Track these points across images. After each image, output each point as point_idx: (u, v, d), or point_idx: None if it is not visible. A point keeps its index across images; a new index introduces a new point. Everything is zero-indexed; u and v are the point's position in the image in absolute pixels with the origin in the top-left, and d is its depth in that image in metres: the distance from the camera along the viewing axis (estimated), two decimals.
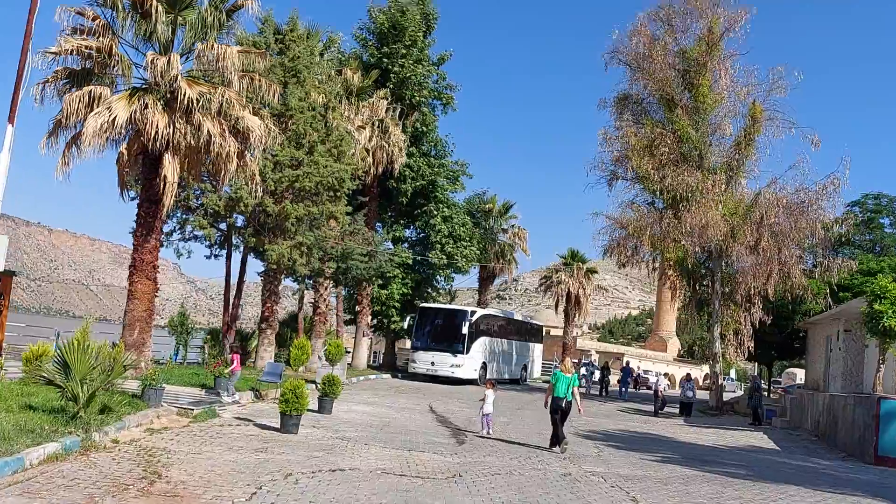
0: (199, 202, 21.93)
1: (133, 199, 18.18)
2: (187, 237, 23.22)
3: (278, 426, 12.22)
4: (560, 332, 59.00)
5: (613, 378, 38.18)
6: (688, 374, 28.48)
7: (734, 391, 55.00)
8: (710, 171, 30.30)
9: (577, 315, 52.05)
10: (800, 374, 57.25)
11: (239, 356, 15.55)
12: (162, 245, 21.79)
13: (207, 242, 23.13)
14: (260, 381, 17.03)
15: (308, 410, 15.46)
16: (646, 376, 56.32)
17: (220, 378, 15.80)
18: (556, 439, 13.55)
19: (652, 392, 30.23)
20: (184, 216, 21.90)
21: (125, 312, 16.34)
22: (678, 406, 27.52)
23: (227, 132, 16.10)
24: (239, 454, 9.64)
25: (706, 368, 74.58)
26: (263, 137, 16.64)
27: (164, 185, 15.66)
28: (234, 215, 22.49)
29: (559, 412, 13.44)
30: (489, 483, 9.41)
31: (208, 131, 15.66)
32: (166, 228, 22.25)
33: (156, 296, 16.68)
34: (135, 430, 10.33)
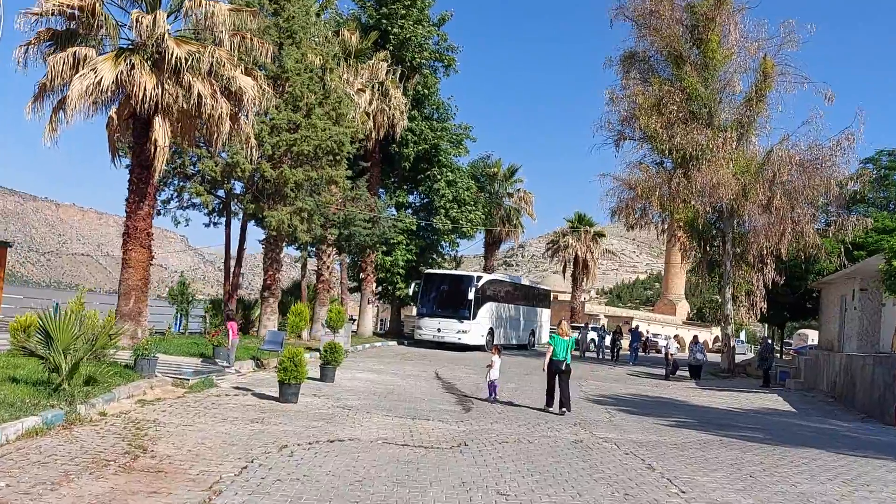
0: (195, 169, 21.32)
1: (128, 167, 17.58)
2: (185, 205, 22.71)
3: (277, 395, 11.79)
4: (568, 298, 58.63)
5: (625, 342, 37.65)
6: (696, 337, 27.93)
7: (744, 353, 54.55)
8: (720, 129, 29.44)
9: (585, 279, 51.64)
10: (811, 335, 56.76)
11: (236, 325, 15.08)
12: (158, 213, 21.35)
13: (206, 210, 22.57)
14: (261, 350, 16.60)
15: (309, 379, 15.06)
16: (655, 340, 55.99)
17: (218, 347, 15.39)
18: (551, 399, 13.76)
19: (662, 355, 29.84)
20: (181, 183, 21.31)
21: (120, 282, 15.88)
22: (688, 369, 27.05)
23: (218, 93, 15.43)
24: (233, 425, 9.19)
25: (716, 331, 74.22)
26: (257, 98, 15.99)
27: (155, 149, 15.06)
28: (232, 182, 21.89)
29: (559, 375, 13.59)
30: (496, 452, 8.95)
31: (199, 92, 15.00)
32: (163, 196, 21.77)
33: (151, 264, 16.19)
34: (125, 402, 9.89)
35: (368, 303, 33.50)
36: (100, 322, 10.75)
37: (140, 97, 14.43)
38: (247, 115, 16.50)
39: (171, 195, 22.28)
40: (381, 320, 47.08)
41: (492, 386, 14.80)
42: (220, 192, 22.46)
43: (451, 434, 10.06)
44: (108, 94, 14.77)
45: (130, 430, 8.21)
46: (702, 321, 75.81)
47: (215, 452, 7.52)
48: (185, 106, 15.49)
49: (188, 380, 12.01)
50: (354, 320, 36.14)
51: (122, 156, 16.93)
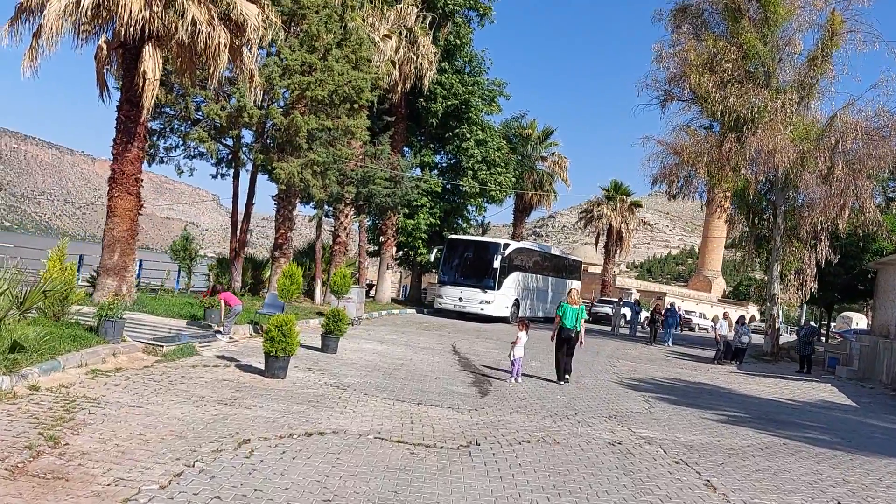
0: (201, 114, 19.58)
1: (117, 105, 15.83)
2: (192, 154, 21.01)
3: (263, 369, 10.11)
4: (598, 270, 56.41)
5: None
6: (742, 317, 25.67)
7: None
8: (778, 91, 26.86)
9: (618, 251, 49.41)
10: (856, 318, 53.97)
11: (229, 293, 13.42)
12: (161, 161, 19.74)
13: (212, 160, 20.88)
14: (259, 314, 14.94)
15: (309, 349, 13.44)
16: (689, 317, 53.60)
17: (210, 310, 13.78)
18: (561, 372, 13.58)
19: (695, 334, 27.54)
20: (186, 129, 19.56)
21: (104, 232, 14.26)
22: (732, 352, 24.84)
23: (216, 20, 13.57)
24: (195, 408, 7.51)
25: (752, 310, 71.49)
26: (261, 29, 14.08)
27: (144, 82, 13.30)
28: (241, 129, 20.12)
29: (567, 344, 13.54)
30: (514, 457, 7.15)
31: (193, 17, 13.14)
32: (167, 143, 20.12)
33: (140, 213, 14.55)
34: (73, 373, 8.26)
35: (387, 268, 31.81)
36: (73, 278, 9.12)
37: (125, 20, 12.64)
38: (250, 49, 14.62)
39: (177, 143, 20.61)
40: (404, 287, 45.49)
41: (515, 364, 13.02)
42: (229, 141, 20.71)
43: (460, 427, 8.28)
44: (90, 16, 12.99)
45: (56, 411, 6.55)
46: (737, 299, 73.03)
47: (151, 449, 5.82)
48: (179, 35, 13.65)
49: (162, 346, 10.37)
50: (373, 285, 34.56)
51: (115, 89, 15.15)
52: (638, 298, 40.95)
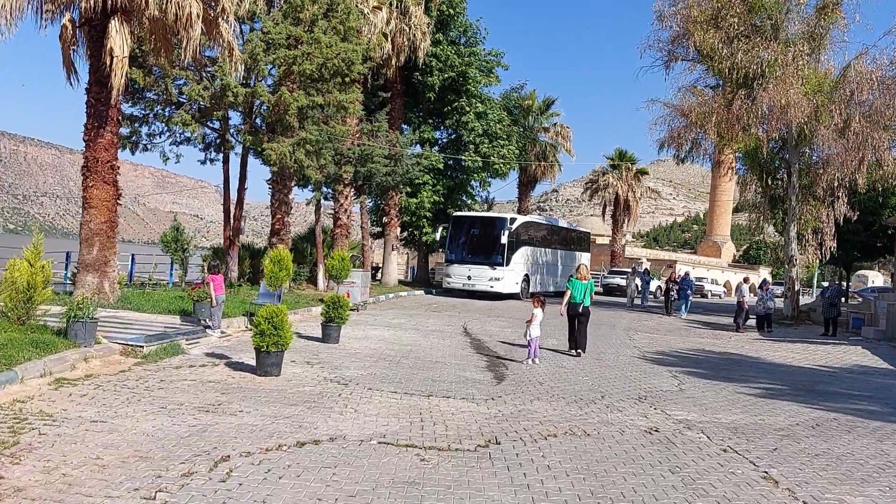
0: (184, 97, 18.48)
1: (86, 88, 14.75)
2: (178, 140, 19.97)
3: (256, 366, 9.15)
4: (606, 241, 55.28)
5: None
6: (766, 282, 24.42)
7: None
8: (787, 44, 25.57)
9: (626, 221, 48.29)
10: (871, 276, 52.84)
11: (221, 278, 12.42)
12: (146, 148, 18.71)
13: (200, 145, 19.83)
14: (254, 305, 13.95)
15: (308, 339, 12.51)
16: (699, 284, 52.52)
17: (200, 303, 12.81)
18: (574, 342, 13.67)
19: (707, 300, 26.37)
20: (168, 113, 18.47)
21: (80, 226, 13.25)
22: (755, 318, 23.66)
23: None
24: (170, 418, 6.54)
25: (764, 273, 70.27)
26: None
27: (112, 60, 12.23)
28: (227, 111, 19.05)
29: (577, 317, 13.61)
30: (539, 456, 6.17)
31: None
32: (149, 130, 19.06)
33: (118, 203, 13.54)
34: (33, 384, 7.30)
35: (393, 249, 30.82)
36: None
37: None
38: (227, 19, 13.50)
39: (161, 129, 19.54)
40: (411, 268, 44.55)
41: (531, 344, 12.05)
42: (216, 125, 19.64)
43: (476, 423, 7.31)
44: None
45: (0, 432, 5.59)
46: (748, 263, 71.84)
47: (106, 477, 4.85)
48: (150, 9, 12.56)
49: (142, 346, 9.41)
50: (379, 268, 33.61)
51: (76, 73, 14.05)
52: (648, 267, 39.81)
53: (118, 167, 13.46)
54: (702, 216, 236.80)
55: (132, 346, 9.41)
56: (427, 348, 13.05)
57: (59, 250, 19.55)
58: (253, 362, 9.38)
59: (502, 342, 12.97)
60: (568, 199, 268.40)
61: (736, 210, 58.12)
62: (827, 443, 7.52)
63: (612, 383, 10.64)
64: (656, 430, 7.55)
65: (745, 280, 23.68)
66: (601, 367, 12.30)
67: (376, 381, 9.24)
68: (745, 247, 72.46)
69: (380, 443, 6.23)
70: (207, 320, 12.42)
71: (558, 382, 10.31)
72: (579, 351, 13.53)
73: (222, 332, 12.03)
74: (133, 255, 21.96)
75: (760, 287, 22.86)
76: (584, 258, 36.20)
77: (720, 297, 53.21)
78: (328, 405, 7.61)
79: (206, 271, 12.96)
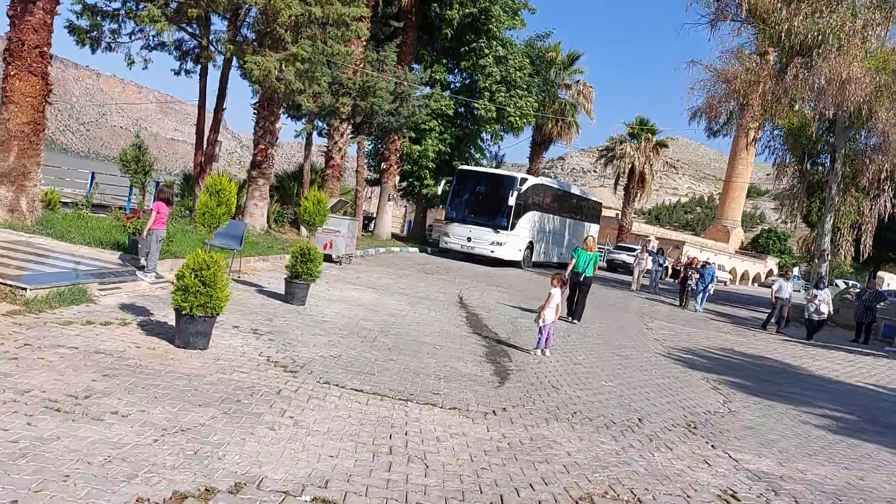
0: None
1: None
2: (151, 44, 17.19)
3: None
4: (612, 214, 52.70)
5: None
6: (821, 280, 20.37)
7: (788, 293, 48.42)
8: (854, 12, 22.67)
9: (639, 194, 45.64)
10: (887, 278, 50.52)
11: (166, 208, 9.88)
12: (109, 48, 15.94)
13: (176, 52, 17.04)
14: (209, 246, 11.41)
15: (269, 296, 10.04)
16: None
17: (138, 237, 10.31)
18: (572, 311, 13.75)
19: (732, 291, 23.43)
20: (137, 8, 15.58)
21: None
22: (806, 325, 19.25)
23: None
24: None
25: (770, 263, 67.97)
26: None
27: None
28: (211, 14, 16.24)
29: (578, 286, 13.74)
30: None
31: None
32: (113, 26, 16.24)
33: (47, 102, 10.87)
34: None
35: (389, 199, 28.19)
36: None
37: None
38: None
39: (133, 29, 16.70)
40: (408, 222, 41.99)
41: (542, 331, 9.63)
42: (196, 29, 16.82)
43: (472, 461, 4.87)
44: None
45: None
46: (756, 251, 69.41)
47: None
48: None
49: (25, 288, 6.91)
50: (372, 218, 31.08)
51: None
52: (655, 246, 37.31)
53: (50, 55, 10.75)
54: (706, 198, 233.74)
55: (13, 287, 6.90)
56: (414, 321, 10.61)
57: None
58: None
59: (499, 338, 10.50)
60: (573, 168, 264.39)
61: (755, 193, 55.50)
62: None
63: (646, 395, 8.25)
64: (733, 495, 5.14)
65: (786, 275, 20.90)
66: (625, 368, 9.91)
67: (338, 370, 6.79)
68: (755, 234, 69.95)
69: (312, 502, 3.78)
70: (144, 261, 9.93)
71: (578, 389, 7.90)
72: (575, 320, 13.67)
73: (157, 277, 9.54)
74: (93, 172, 19.37)
75: (815, 286, 19.25)
76: (592, 230, 33.65)
77: (725, 284, 50.89)
78: (257, 409, 5.16)
79: (157, 196, 10.41)
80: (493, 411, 6.31)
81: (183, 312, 6.39)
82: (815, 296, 18.79)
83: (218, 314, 6.59)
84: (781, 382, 11.30)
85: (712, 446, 6.46)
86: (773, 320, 19.62)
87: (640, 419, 7.00)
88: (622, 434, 6.31)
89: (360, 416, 5.49)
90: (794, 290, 20.78)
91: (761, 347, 15.69)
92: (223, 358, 6.40)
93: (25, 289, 6.88)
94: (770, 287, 20.45)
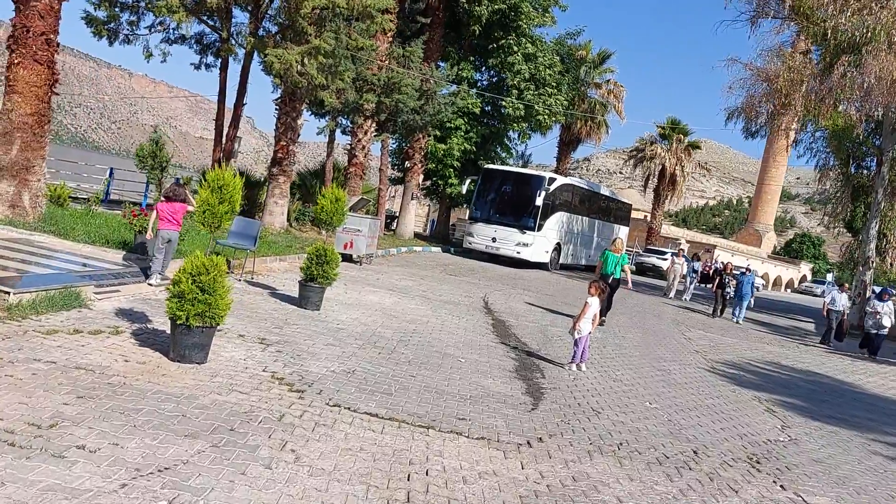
0: None
1: None
2: (172, 38, 16.64)
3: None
4: (640, 216, 51.52)
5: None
6: (887, 290, 17.33)
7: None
8: None
9: (670, 196, 44.36)
10: None
11: (182, 207, 9.16)
12: (127, 41, 15.39)
13: (196, 46, 16.47)
14: (221, 246, 10.72)
15: (284, 300, 9.32)
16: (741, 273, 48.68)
17: (143, 235, 9.65)
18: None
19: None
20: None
21: None
22: (861, 338, 17.59)
23: None
24: None
25: (804, 269, 66.15)
26: None
27: None
28: (232, 6, 15.62)
29: (607, 288, 13.35)
30: None
31: None
32: (132, 18, 15.69)
33: (54, 93, 10.27)
34: None
35: (413, 198, 27.46)
36: None
37: None
38: None
39: (153, 22, 16.17)
40: (431, 221, 41.29)
41: (579, 344, 8.78)
42: (216, 22, 16.21)
43: None
44: None
45: None
46: (790, 256, 67.58)
47: None
48: None
49: (8, 292, 6.24)
50: (395, 218, 30.40)
51: None
52: (697, 253, 36.10)
53: (58, 43, 10.14)
54: (734, 202, 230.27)
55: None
56: (436, 328, 9.83)
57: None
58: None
59: (529, 349, 9.67)
60: (599, 170, 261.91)
61: (784, 197, 53.92)
62: None
63: (696, 419, 7.38)
64: None
65: (842, 286, 19.38)
66: (669, 386, 9.03)
67: (351, 389, 6.02)
68: (788, 239, 68.09)
69: None
70: (153, 261, 9.24)
71: (620, 412, 7.05)
72: (603, 319, 13.31)
73: (163, 279, 8.86)
74: (112, 168, 18.86)
75: (879, 297, 16.79)
76: (621, 232, 32.66)
77: (758, 290, 49.42)
78: (253, 440, 4.40)
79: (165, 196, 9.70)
80: (528, 442, 5.50)
81: (178, 322, 5.66)
82: (877, 308, 16.47)
83: (218, 324, 5.85)
84: (838, 403, 10.33)
85: (781, 486, 5.58)
86: (831, 335, 18.22)
87: (695, 451, 6.13)
88: (678, 472, 5.46)
89: (374, 448, 4.71)
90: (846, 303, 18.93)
91: (808, 361, 14.66)
92: (221, 374, 5.66)
93: (9, 292, 6.19)
94: (822, 297, 19.13)
